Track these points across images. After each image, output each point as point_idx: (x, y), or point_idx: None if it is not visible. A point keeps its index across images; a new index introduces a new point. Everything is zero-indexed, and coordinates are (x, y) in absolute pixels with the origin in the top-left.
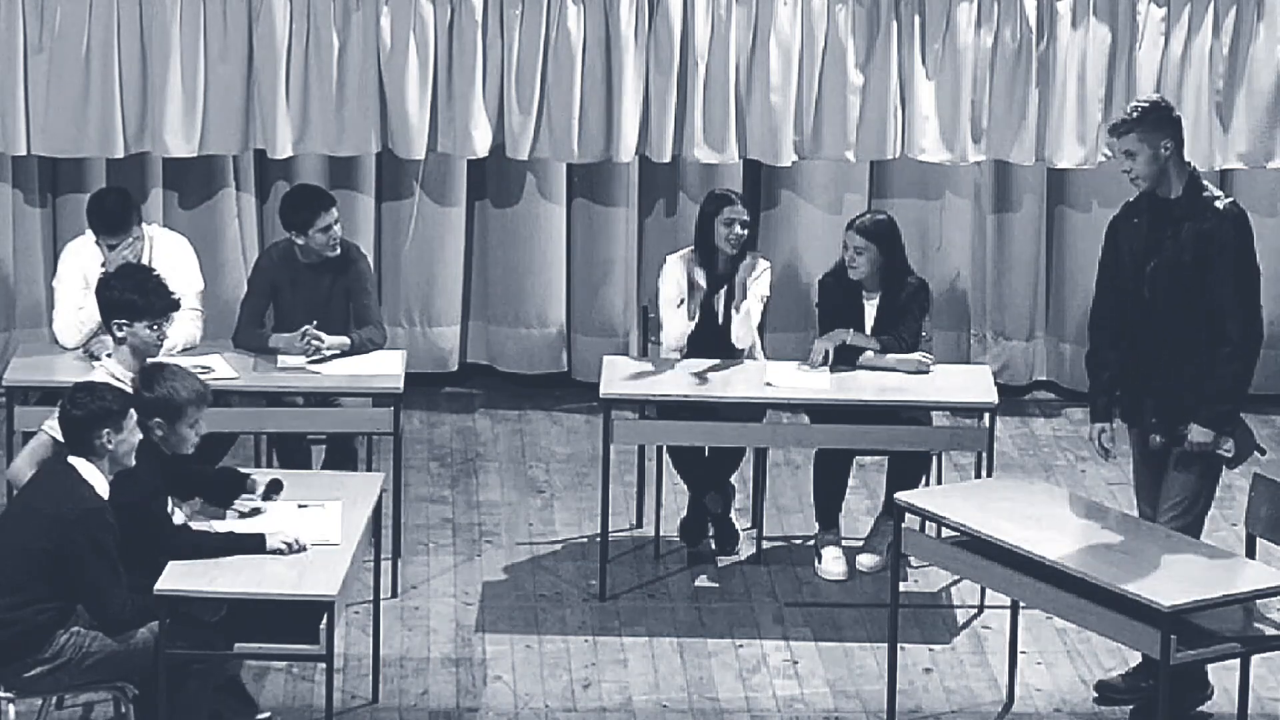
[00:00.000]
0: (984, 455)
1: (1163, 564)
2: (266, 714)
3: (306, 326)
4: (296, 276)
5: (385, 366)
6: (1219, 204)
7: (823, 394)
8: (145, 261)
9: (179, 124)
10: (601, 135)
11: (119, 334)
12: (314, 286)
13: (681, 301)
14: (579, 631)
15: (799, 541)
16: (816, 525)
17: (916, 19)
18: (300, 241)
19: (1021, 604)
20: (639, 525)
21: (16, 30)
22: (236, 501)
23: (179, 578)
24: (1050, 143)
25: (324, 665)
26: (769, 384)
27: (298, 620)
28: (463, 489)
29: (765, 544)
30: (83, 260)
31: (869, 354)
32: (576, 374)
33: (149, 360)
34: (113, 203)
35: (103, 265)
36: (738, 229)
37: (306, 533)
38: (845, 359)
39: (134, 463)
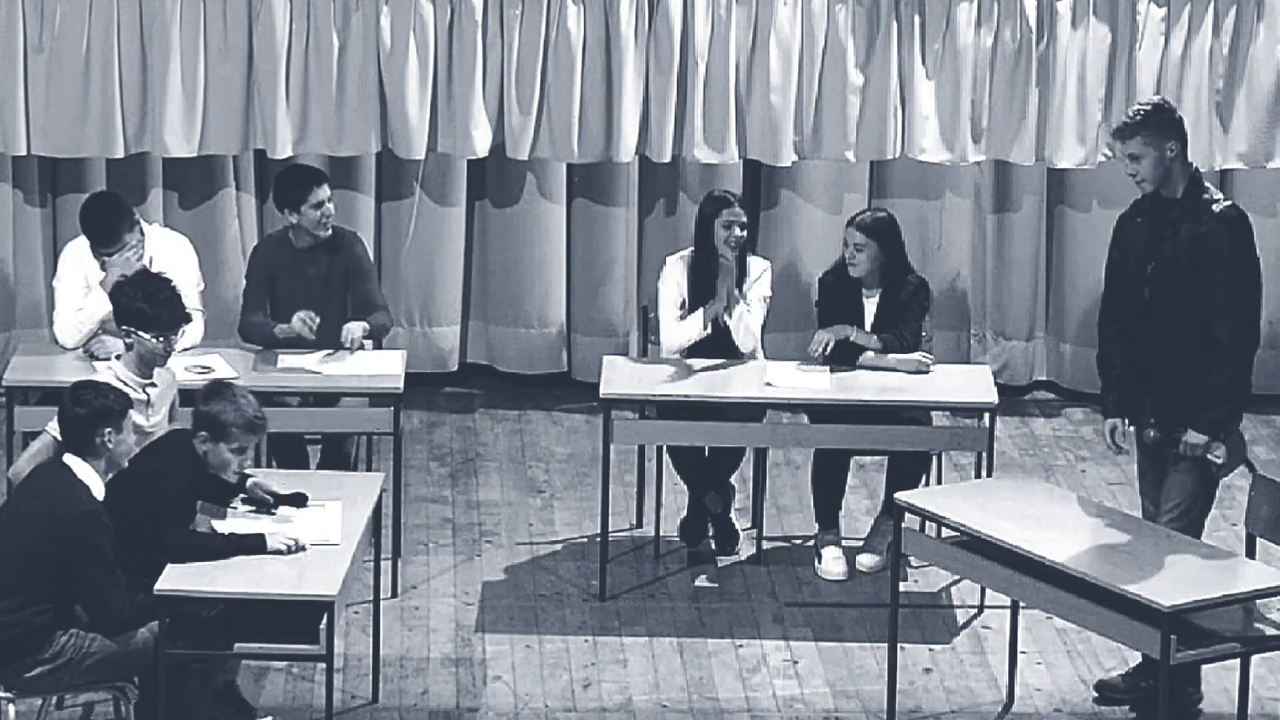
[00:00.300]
0: (984, 455)
1: (1163, 564)
2: (267, 719)
3: (299, 312)
4: (292, 264)
5: (385, 366)
6: (1216, 207)
7: (822, 394)
8: (145, 262)
9: (179, 124)
10: (601, 135)
11: (127, 340)
12: (309, 273)
13: (682, 303)
14: (579, 631)
15: (799, 541)
16: (816, 525)
17: (916, 19)
18: (294, 220)
19: (1021, 604)
20: (639, 525)
21: (16, 30)
22: (235, 501)
23: (179, 578)
24: (1050, 143)
25: (324, 665)
26: (769, 384)
27: (298, 620)
28: (463, 489)
29: (765, 544)
30: (82, 261)
31: (869, 354)
32: (576, 374)
33: (214, 379)
34: (101, 212)
35: (102, 268)
36: (737, 231)
37: (306, 533)
38: (845, 358)
39: (127, 465)
